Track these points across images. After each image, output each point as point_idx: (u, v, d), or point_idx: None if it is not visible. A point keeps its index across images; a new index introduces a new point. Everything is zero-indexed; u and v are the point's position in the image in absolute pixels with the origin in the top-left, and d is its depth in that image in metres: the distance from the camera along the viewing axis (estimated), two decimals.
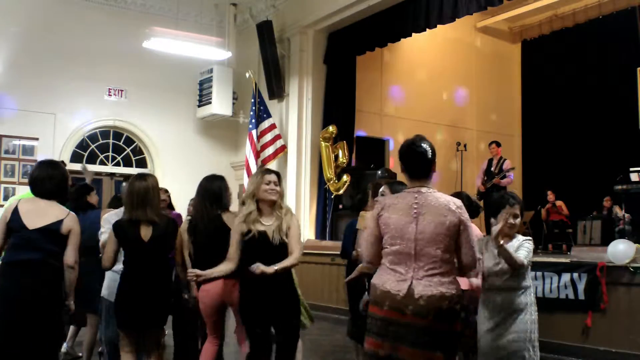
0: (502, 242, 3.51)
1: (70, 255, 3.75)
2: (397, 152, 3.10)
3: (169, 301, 4.09)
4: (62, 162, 6.07)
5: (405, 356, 2.83)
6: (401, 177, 3.32)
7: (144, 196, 3.90)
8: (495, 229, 3.55)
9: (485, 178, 9.94)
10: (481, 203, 9.71)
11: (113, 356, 4.44)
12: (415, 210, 2.92)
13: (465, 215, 2.94)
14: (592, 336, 5.71)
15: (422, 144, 3.00)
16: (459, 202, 2.97)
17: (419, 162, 3.00)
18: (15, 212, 3.72)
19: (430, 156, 2.99)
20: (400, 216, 2.94)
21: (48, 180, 3.78)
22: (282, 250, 3.69)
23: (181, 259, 4.17)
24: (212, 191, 4.18)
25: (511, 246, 3.70)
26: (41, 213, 3.72)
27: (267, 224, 3.70)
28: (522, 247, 3.69)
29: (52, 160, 4.10)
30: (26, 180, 5.92)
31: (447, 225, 2.88)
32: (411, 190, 3.00)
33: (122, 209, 4.53)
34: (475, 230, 4.86)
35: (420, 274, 2.87)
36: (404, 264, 2.91)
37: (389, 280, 2.92)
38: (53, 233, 3.69)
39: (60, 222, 3.72)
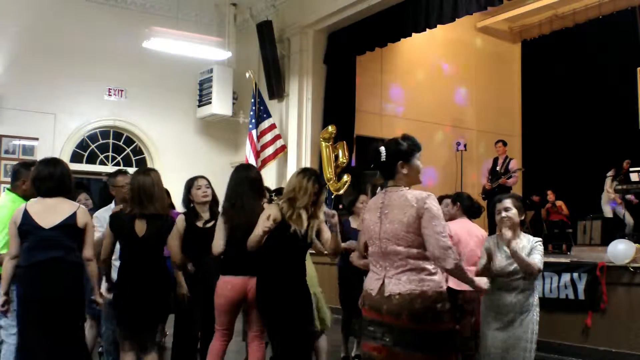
0: (513, 246, 3.52)
1: (88, 249, 3.80)
2: None
3: (166, 299, 4.05)
4: None
5: (389, 357, 2.84)
6: None
7: (146, 191, 3.89)
8: (505, 235, 3.56)
9: (490, 177, 9.94)
10: (485, 203, 9.75)
11: (114, 354, 4.44)
12: (380, 210, 2.98)
13: (429, 206, 2.83)
14: (592, 336, 5.70)
15: (381, 146, 2.99)
16: (424, 195, 2.88)
17: (376, 163, 3.02)
18: (26, 214, 3.71)
19: (384, 158, 2.96)
20: (371, 217, 3.03)
21: (48, 178, 3.78)
22: (307, 248, 3.88)
23: (179, 253, 4.09)
24: (252, 179, 4.02)
25: (523, 247, 3.68)
26: (52, 211, 3.73)
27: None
28: (535, 251, 3.68)
29: (51, 158, 4.06)
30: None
31: (406, 221, 2.86)
32: (382, 191, 3.06)
33: (110, 205, 4.56)
34: (477, 230, 4.86)
35: (391, 272, 2.92)
36: (378, 263, 2.99)
37: (369, 279, 3.04)
38: (70, 228, 3.73)
39: (73, 215, 3.75)
